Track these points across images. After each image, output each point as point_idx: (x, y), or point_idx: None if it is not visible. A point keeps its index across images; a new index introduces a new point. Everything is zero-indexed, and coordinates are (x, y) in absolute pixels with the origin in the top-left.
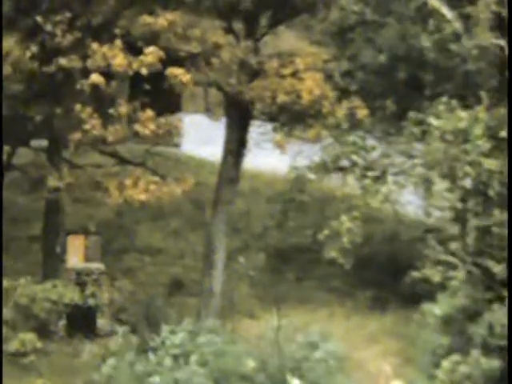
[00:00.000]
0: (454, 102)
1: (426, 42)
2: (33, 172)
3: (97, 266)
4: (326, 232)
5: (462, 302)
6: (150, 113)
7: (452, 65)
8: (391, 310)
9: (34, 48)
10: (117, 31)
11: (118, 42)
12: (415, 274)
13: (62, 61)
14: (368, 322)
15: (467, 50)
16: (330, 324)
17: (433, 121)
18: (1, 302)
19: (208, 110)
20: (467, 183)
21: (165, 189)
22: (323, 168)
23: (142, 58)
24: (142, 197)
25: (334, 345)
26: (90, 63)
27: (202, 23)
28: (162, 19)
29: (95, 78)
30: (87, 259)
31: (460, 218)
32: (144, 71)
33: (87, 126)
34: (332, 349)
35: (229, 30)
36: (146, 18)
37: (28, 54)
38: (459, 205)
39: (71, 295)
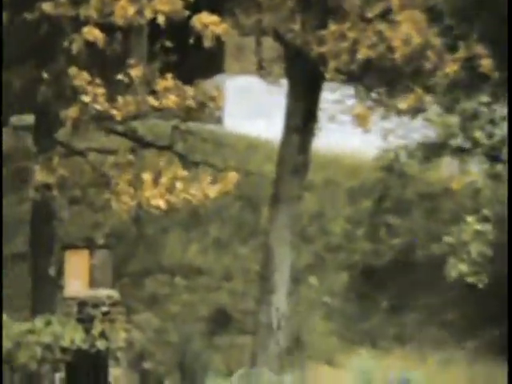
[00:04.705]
0: None
1: None
2: (13, 161)
3: (108, 293)
4: (447, 239)
5: None
6: (169, 79)
7: None
8: None
9: None
10: None
11: None
12: None
13: (46, 5)
14: (498, 373)
15: None
16: (445, 375)
17: None
18: None
19: (261, 70)
20: None
21: (196, 191)
22: (429, 150)
23: (156, 2)
24: (161, 203)
25: None
26: (82, 11)
27: None
28: None
29: (88, 32)
30: (94, 284)
31: None
32: (161, 21)
33: (86, 98)
34: None
35: None
36: None
37: None
38: None
39: (72, 336)
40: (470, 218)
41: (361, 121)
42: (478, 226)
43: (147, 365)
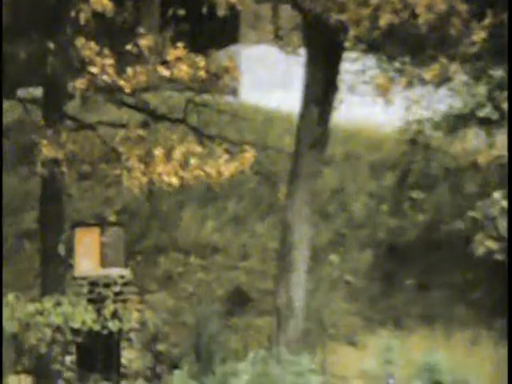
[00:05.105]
0: None
1: None
2: (20, 136)
3: (119, 272)
4: (474, 215)
5: None
6: (181, 48)
7: None
8: None
9: None
10: None
11: None
12: None
13: None
14: None
15: None
16: (473, 357)
17: None
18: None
19: (278, 39)
20: None
21: (211, 168)
22: (455, 122)
23: None
24: (174, 180)
25: None
26: None
27: None
28: None
29: (96, 1)
30: (105, 263)
31: None
32: None
33: (94, 69)
34: None
35: None
36: None
37: None
38: None
39: (82, 317)
40: (496, 194)
41: (382, 91)
42: (505, 202)
43: (161, 346)
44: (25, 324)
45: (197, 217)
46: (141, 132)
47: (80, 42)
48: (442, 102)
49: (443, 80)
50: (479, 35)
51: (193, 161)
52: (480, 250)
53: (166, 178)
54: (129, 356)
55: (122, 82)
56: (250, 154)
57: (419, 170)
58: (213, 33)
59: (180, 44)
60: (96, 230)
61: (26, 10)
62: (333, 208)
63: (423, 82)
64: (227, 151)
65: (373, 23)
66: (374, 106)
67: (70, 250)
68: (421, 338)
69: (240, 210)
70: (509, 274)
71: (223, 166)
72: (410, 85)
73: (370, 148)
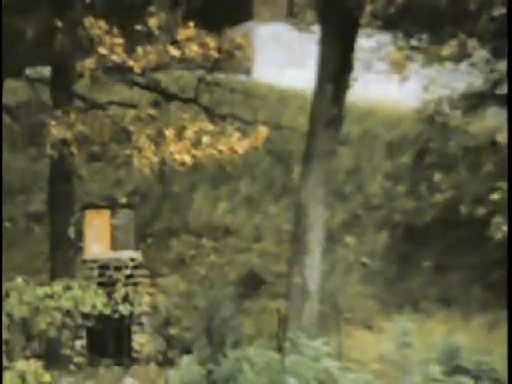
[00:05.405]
0: None
1: None
2: (29, 116)
3: (130, 255)
4: (493, 196)
5: None
6: (191, 27)
7: None
8: None
9: None
10: None
11: None
12: None
13: None
14: None
15: None
16: (493, 340)
17: None
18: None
19: (292, 16)
20: None
21: (223, 145)
22: (474, 100)
23: None
24: (186, 158)
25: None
26: None
27: None
28: None
29: None
30: (116, 246)
31: None
32: None
33: (103, 49)
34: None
35: None
36: None
37: None
38: None
39: (93, 301)
40: None
41: (398, 68)
42: None
43: (173, 331)
44: (34, 308)
45: (209, 198)
46: (152, 111)
47: (89, 20)
48: (460, 79)
49: (462, 57)
50: (499, 10)
51: (205, 139)
52: (498, 235)
53: (177, 157)
54: (140, 340)
55: (131, 62)
56: (262, 130)
57: (437, 150)
58: (226, 10)
59: (191, 23)
60: (106, 213)
61: None
62: (348, 188)
63: (441, 59)
64: (240, 129)
65: None
66: (391, 83)
67: (80, 233)
68: (439, 321)
69: (253, 191)
70: (509, 273)
71: (236, 144)
72: (427, 62)
73: (386, 127)
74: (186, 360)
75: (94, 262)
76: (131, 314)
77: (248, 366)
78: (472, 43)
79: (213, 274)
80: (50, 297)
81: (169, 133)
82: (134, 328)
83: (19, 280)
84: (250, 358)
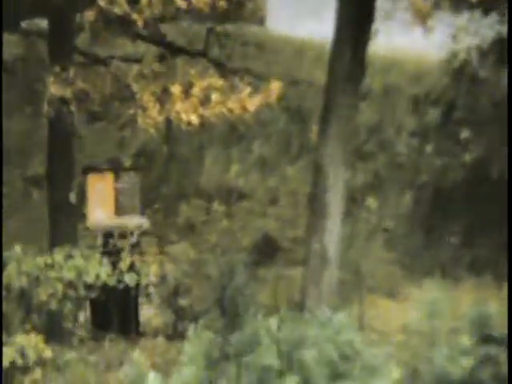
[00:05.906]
0: None
1: None
2: (25, 72)
3: (136, 221)
4: None
5: None
6: None
7: None
8: None
9: None
10: None
11: None
12: None
13: None
14: None
15: None
16: None
17: None
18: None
19: None
20: None
21: (234, 103)
22: (506, 50)
23: None
24: (194, 118)
25: None
26: None
27: None
28: None
29: None
30: (120, 212)
31: None
32: None
33: (102, 2)
34: None
35: None
36: None
37: None
38: None
39: (96, 271)
40: None
41: (421, 17)
42: None
43: (183, 301)
44: (34, 278)
45: (220, 160)
46: (157, 67)
47: None
48: (491, 28)
49: (493, 3)
50: None
51: (214, 97)
52: None
53: (184, 116)
54: (147, 312)
55: (134, 14)
56: (275, 85)
57: (466, 105)
58: None
59: None
60: (110, 176)
61: None
62: (370, 147)
63: (470, 5)
64: (253, 85)
65: None
66: (415, 34)
67: (82, 198)
68: (468, 289)
69: (267, 151)
70: (509, 272)
71: (247, 101)
72: (455, 9)
73: (411, 80)
74: (192, 329)
75: (97, 228)
76: (138, 284)
77: (267, 338)
78: None
79: (225, 240)
80: (51, 266)
81: (175, 90)
82: (141, 299)
83: (17, 248)
84: (268, 329)
